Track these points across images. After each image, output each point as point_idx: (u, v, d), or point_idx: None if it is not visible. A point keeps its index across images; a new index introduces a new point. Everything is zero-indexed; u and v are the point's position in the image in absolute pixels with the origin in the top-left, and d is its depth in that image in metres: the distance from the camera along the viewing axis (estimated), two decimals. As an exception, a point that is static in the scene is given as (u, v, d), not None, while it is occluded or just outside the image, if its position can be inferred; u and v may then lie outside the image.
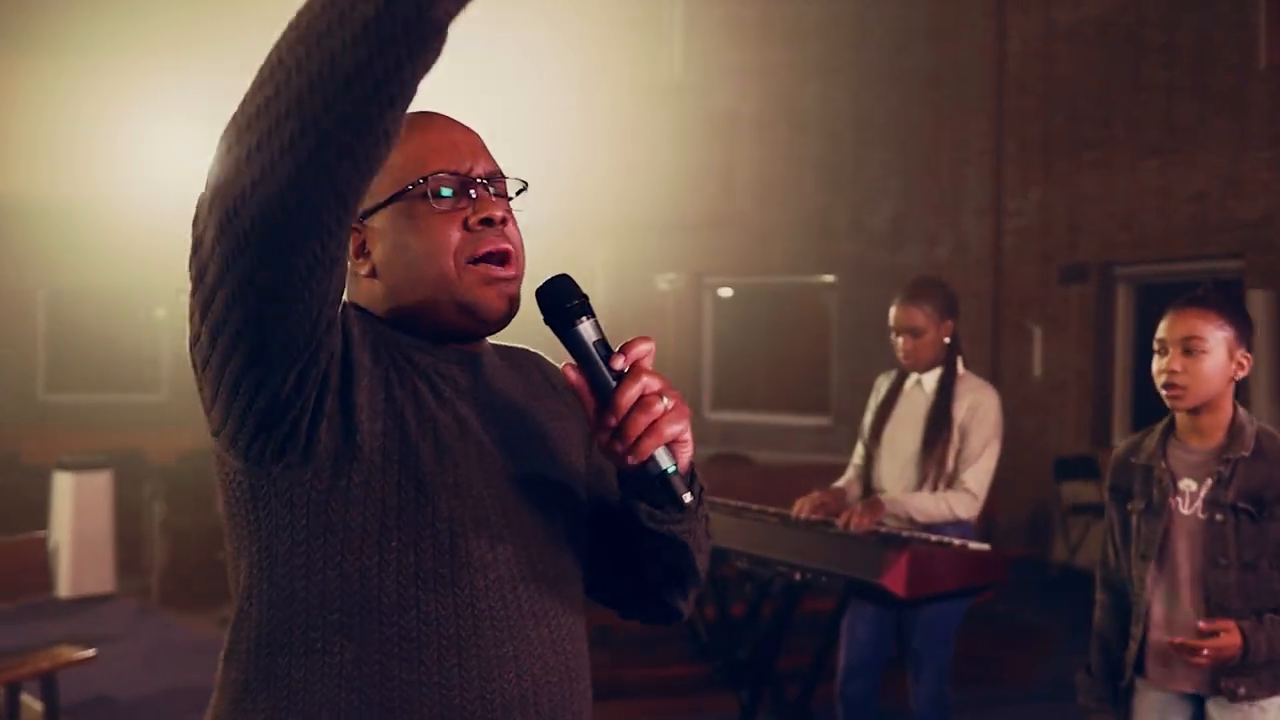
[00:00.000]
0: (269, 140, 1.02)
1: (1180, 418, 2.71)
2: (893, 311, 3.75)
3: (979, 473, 3.61)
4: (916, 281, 3.84)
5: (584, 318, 1.23)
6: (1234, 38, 7.35)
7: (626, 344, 1.24)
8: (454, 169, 1.33)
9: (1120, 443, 2.93)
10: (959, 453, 3.63)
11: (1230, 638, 2.46)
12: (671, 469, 1.23)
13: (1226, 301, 2.68)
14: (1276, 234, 7.01)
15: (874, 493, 3.73)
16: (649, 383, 1.21)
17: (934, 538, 3.43)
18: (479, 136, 1.40)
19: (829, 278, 9.98)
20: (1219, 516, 2.59)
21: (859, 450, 3.90)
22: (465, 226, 1.31)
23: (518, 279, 1.35)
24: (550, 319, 1.24)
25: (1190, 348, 2.60)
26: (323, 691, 1.22)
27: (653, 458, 1.22)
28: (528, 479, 1.36)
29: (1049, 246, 8.80)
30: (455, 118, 1.41)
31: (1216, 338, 2.60)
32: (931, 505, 3.57)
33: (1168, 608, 2.67)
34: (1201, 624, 2.51)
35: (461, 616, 1.25)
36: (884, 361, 4.12)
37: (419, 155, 1.32)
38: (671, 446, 1.23)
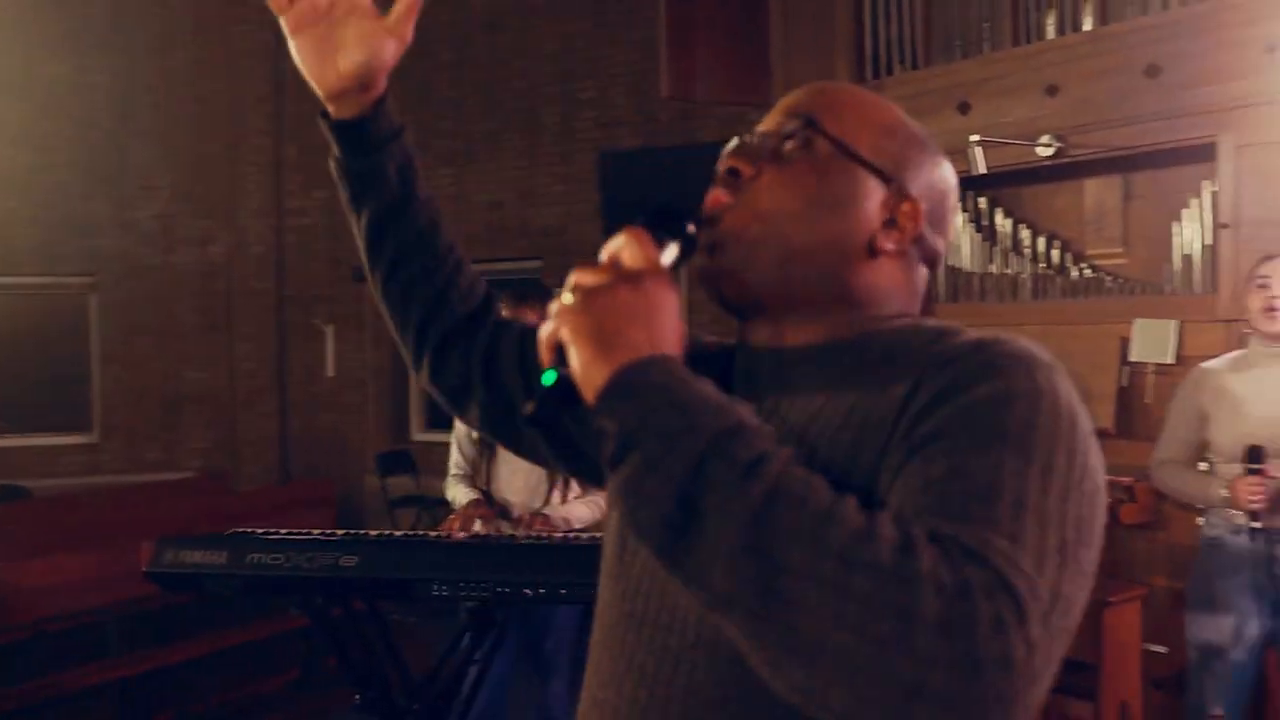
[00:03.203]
0: None
1: None
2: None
3: None
4: (520, 286, 3.77)
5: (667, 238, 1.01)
6: (521, 63, 8.26)
7: None
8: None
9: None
10: None
11: None
12: (549, 379, 0.92)
13: None
14: (568, 239, 8.06)
15: (497, 503, 3.80)
16: (568, 284, 0.93)
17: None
18: (802, 95, 1.11)
19: (88, 279, 9.04)
20: None
21: (456, 459, 3.91)
22: None
23: (720, 241, 1.06)
24: None
25: None
26: None
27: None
28: None
29: (338, 247, 8.98)
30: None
31: None
32: (587, 512, 3.74)
33: None
34: None
35: (611, 607, 1.11)
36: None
37: None
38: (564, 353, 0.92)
